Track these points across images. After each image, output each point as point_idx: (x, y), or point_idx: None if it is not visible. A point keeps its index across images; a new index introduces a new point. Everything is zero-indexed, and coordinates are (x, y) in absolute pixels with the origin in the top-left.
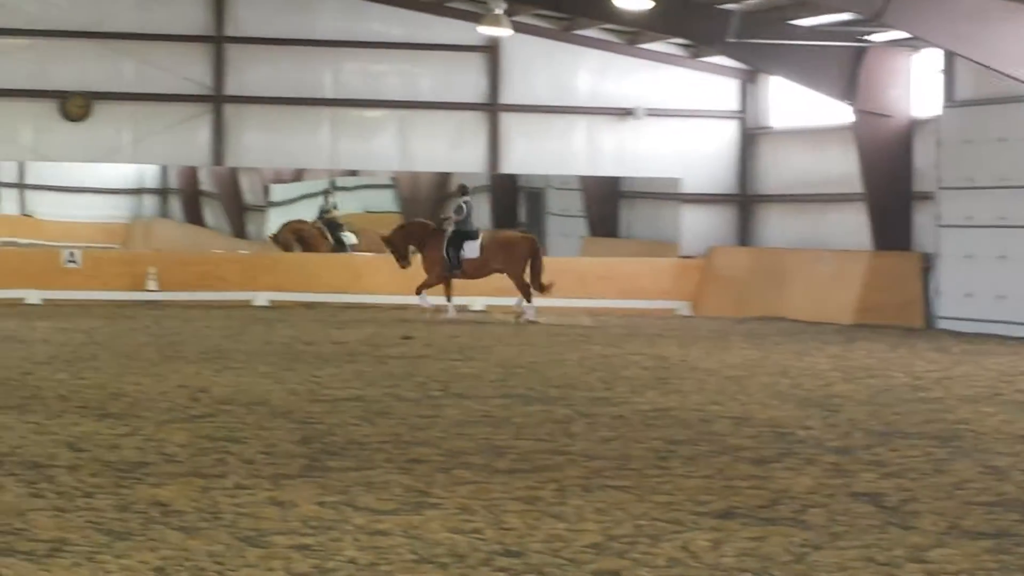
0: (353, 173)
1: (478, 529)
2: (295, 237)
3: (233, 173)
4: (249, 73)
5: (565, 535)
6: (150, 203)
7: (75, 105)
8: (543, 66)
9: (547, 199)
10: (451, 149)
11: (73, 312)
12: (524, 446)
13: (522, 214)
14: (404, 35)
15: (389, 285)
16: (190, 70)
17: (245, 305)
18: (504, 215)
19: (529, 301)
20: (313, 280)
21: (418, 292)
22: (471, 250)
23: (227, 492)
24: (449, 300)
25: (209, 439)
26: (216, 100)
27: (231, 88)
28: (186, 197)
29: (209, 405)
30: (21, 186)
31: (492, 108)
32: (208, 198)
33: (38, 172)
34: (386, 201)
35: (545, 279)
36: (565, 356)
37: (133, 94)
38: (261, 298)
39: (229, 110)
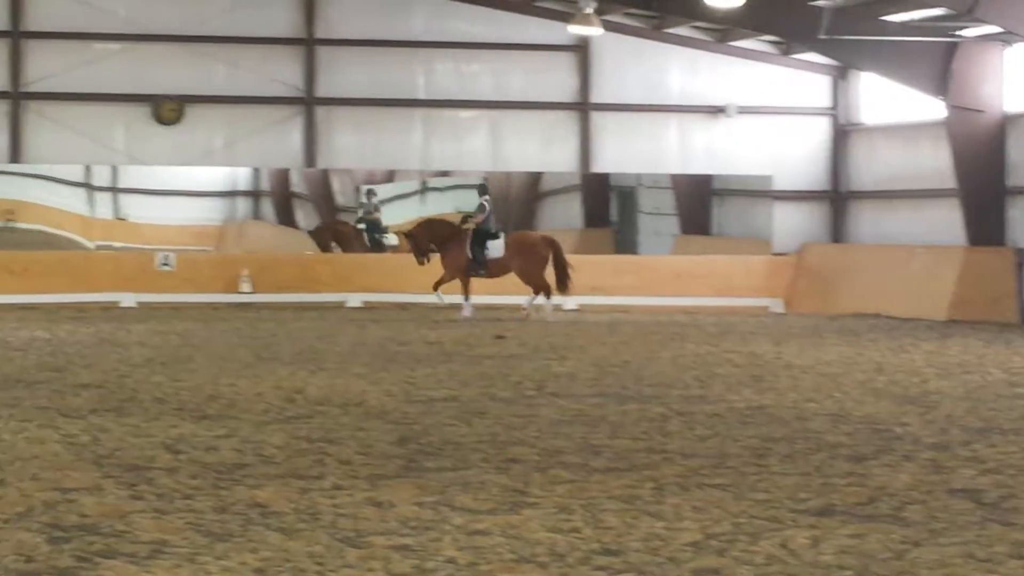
0: (445, 173)
1: (577, 528)
2: (332, 236)
3: (325, 175)
4: (340, 75)
5: (664, 533)
6: (242, 205)
7: (168, 109)
8: (633, 65)
9: (638, 198)
10: (542, 149)
11: (168, 315)
12: (620, 445)
13: (613, 213)
14: (495, 35)
15: (482, 285)
16: (281, 72)
17: (338, 306)
18: (595, 214)
19: (548, 298)
20: (406, 281)
21: (435, 288)
22: (495, 249)
23: (325, 493)
24: (467, 299)
25: (306, 440)
26: (307, 102)
27: (322, 90)
28: (278, 199)
29: (305, 406)
30: (114, 190)
31: (583, 107)
32: (300, 200)
33: (131, 175)
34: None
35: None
36: (659, 354)
37: (225, 97)
38: (354, 299)
39: (320, 112)
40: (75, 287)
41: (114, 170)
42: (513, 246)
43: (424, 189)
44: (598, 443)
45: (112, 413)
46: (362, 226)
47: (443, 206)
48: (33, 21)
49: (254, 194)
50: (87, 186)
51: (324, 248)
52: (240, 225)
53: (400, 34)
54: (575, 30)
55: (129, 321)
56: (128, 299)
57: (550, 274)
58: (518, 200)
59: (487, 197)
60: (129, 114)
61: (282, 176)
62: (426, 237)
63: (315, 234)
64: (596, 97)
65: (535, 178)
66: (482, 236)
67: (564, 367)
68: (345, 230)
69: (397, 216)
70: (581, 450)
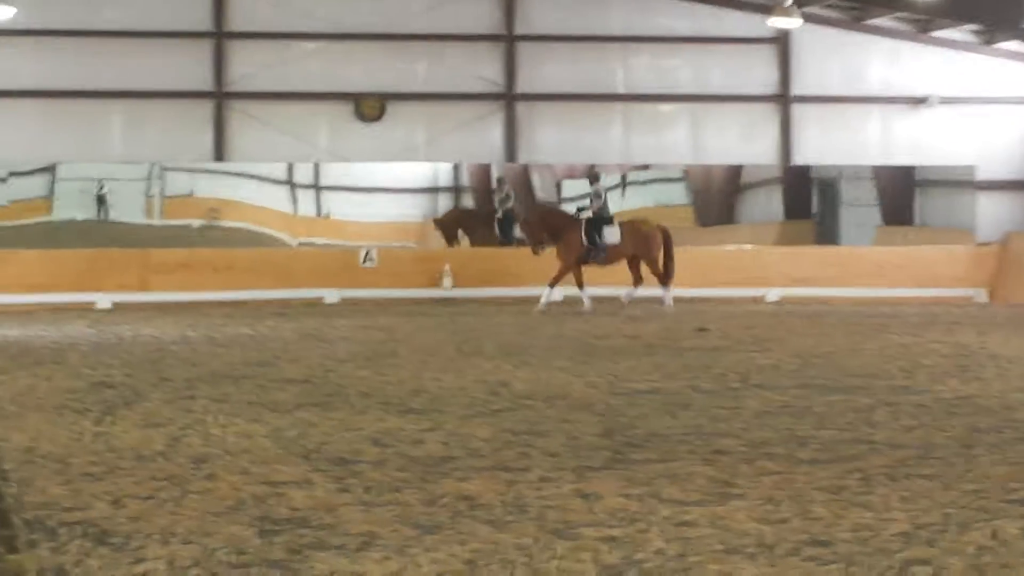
0: (645, 167)
1: (785, 519)
2: (459, 226)
3: (525, 170)
4: (540, 70)
5: (873, 524)
6: (444, 201)
7: (369, 106)
8: (834, 56)
9: (839, 189)
10: (742, 141)
11: (371, 310)
12: (826, 435)
13: (814, 205)
14: (694, 29)
15: (684, 278)
16: (482, 69)
17: (538, 300)
18: (796, 206)
19: (667, 288)
20: (605, 274)
21: (552, 285)
22: (611, 235)
23: (532, 485)
24: (582, 290)
25: (512, 433)
26: (508, 98)
27: (522, 85)
28: (479, 194)
29: (509, 399)
30: (317, 187)
31: (783, 99)
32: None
33: (333, 173)
34: (678, 195)
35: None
36: (863, 345)
37: (426, 94)
38: (556, 293)
39: (521, 107)
40: (279, 284)
41: (316, 168)
42: (629, 233)
43: (624, 183)
44: (804, 434)
45: (318, 407)
46: (498, 215)
47: (644, 200)
48: (235, 22)
49: (455, 190)
50: (290, 184)
51: (450, 238)
52: None
53: (599, 29)
54: (775, 23)
55: (333, 317)
56: (332, 295)
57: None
58: (718, 193)
59: (600, 184)
60: (331, 112)
61: (483, 172)
62: (540, 226)
63: (441, 223)
64: (796, 89)
65: (735, 171)
66: (598, 223)
67: (767, 359)
68: (472, 220)
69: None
70: (787, 441)
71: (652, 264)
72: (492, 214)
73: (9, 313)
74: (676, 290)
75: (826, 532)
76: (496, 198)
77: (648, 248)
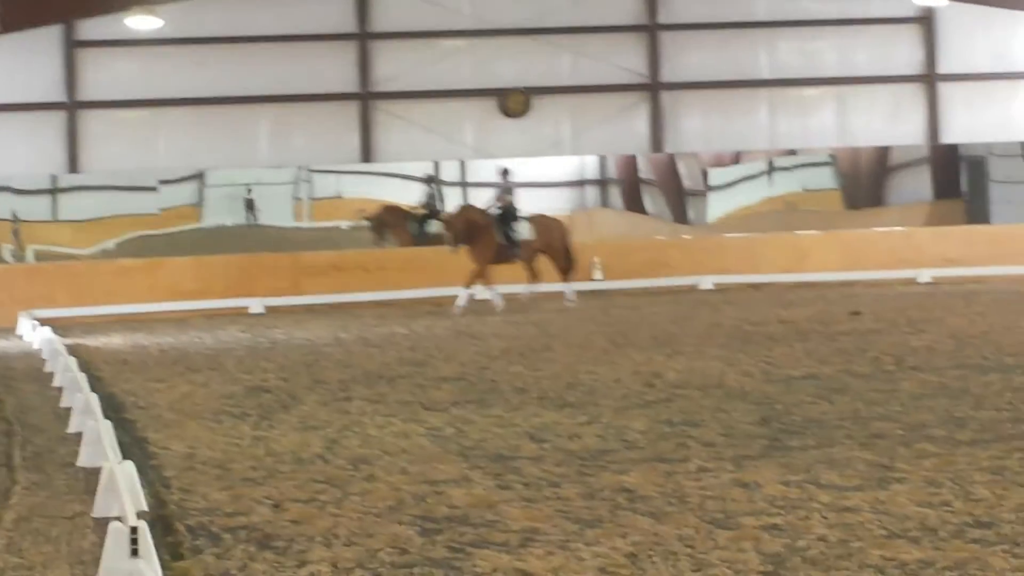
0: (792, 152)
1: (946, 502)
2: (385, 224)
3: (671, 159)
4: (684, 59)
5: None
6: (591, 194)
7: (515, 101)
8: (980, 33)
9: (989, 167)
10: (889, 122)
11: (521, 305)
12: (985, 416)
13: (963, 183)
14: (838, 11)
15: (834, 263)
16: (625, 59)
17: (691, 290)
18: (945, 186)
19: (569, 282)
20: (758, 261)
21: (468, 285)
22: (523, 231)
23: (691, 476)
24: (491, 289)
25: (668, 424)
26: (652, 88)
27: (666, 75)
28: (626, 186)
29: (664, 390)
30: (463, 184)
31: (929, 78)
32: (647, 185)
33: (479, 170)
34: (825, 179)
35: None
36: (1018, 324)
37: (571, 87)
38: (706, 282)
39: (665, 97)
40: (429, 282)
41: (462, 165)
42: (538, 228)
43: (771, 169)
44: (962, 415)
45: (474, 404)
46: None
47: (792, 186)
48: (379, 22)
49: (602, 182)
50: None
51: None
52: (590, 213)
53: (742, 15)
54: (920, 2)
55: (483, 312)
56: (483, 292)
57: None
58: (866, 176)
59: (509, 178)
60: (476, 108)
61: (629, 163)
62: (461, 225)
63: (371, 219)
64: (943, 68)
65: (883, 153)
66: (508, 218)
67: (921, 340)
68: (394, 218)
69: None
70: (945, 423)
71: (559, 258)
72: (415, 213)
73: (164, 320)
74: (821, 274)
75: (989, 513)
76: (425, 196)
77: (555, 241)
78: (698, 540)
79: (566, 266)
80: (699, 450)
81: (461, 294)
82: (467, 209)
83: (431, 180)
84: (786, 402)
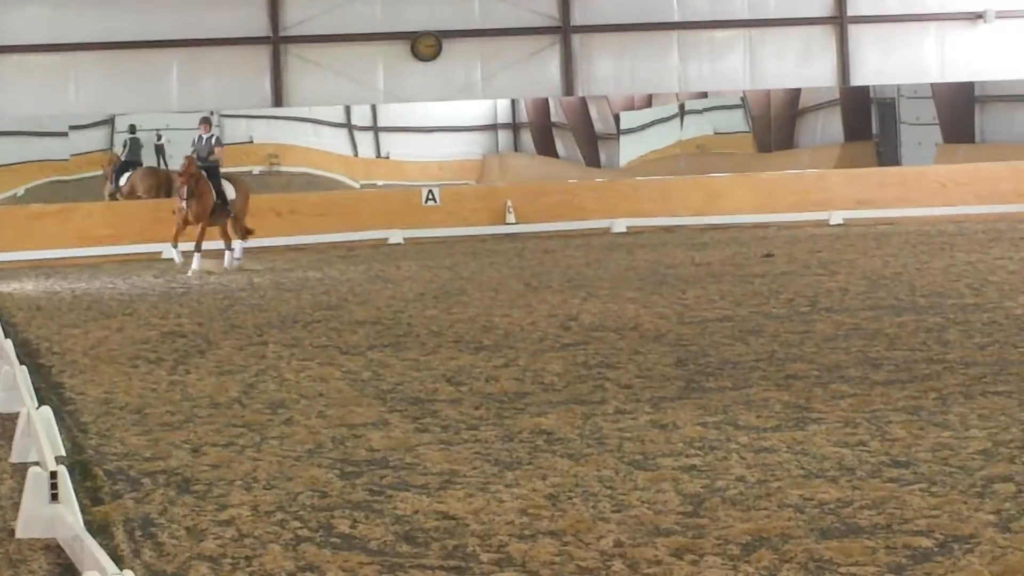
0: (703, 95)
1: (863, 441)
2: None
3: (583, 102)
4: (595, 2)
5: (952, 443)
6: (503, 137)
7: (425, 45)
8: None
9: (899, 109)
10: (799, 65)
11: (435, 249)
12: (899, 356)
13: (874, 126)
14: None
15: (747, 204)
16: (537, 3)
17: (604, 232)
18: (856, 128)
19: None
20: (671, 203)
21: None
22: (229, 190)
23: (609, 418)
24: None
25: (584, 366)
26: (563, 31)
27: (578, 18)
28: (537, 129)
29: (580, 333)
30: (375, 129)
31: (839, 20)
32: (559, 129)
33: (391, 114)
34: (737, 122)
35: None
36: (930, 265)
37: (482, 30)
38: (619, 224)
39: (576, 40)
40: (342, 226)
41: (374, 109)
42: (239, 186)
43: (682, 112)
44: (877, 356)
45: (390, 348)
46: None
47: (703, 128)
48: None
49: (513, 126)
50: (348, 126)
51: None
52: (501, 157)
53: None
54: None
55: (398, 257)
56: (396, 235)
57: None
58: (777, 119)
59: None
60: (387, 52)
61: (541, 106)
62: (191, 177)
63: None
64: (853, 10)
65: (794, 95)
66: (215, 174)
67: (835, 281)
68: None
69: None
70: (860, 363)
71: (242, 217)
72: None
73: (76, 266)
74: (733, 216)
75: (906, 453)
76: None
77: (245, 201)
78: (618, 481)
79: (247, 227)
80: (616, 392)
81: (176, 254)
82: (193, 162)
83: (133, 130)
84: (702, 344)
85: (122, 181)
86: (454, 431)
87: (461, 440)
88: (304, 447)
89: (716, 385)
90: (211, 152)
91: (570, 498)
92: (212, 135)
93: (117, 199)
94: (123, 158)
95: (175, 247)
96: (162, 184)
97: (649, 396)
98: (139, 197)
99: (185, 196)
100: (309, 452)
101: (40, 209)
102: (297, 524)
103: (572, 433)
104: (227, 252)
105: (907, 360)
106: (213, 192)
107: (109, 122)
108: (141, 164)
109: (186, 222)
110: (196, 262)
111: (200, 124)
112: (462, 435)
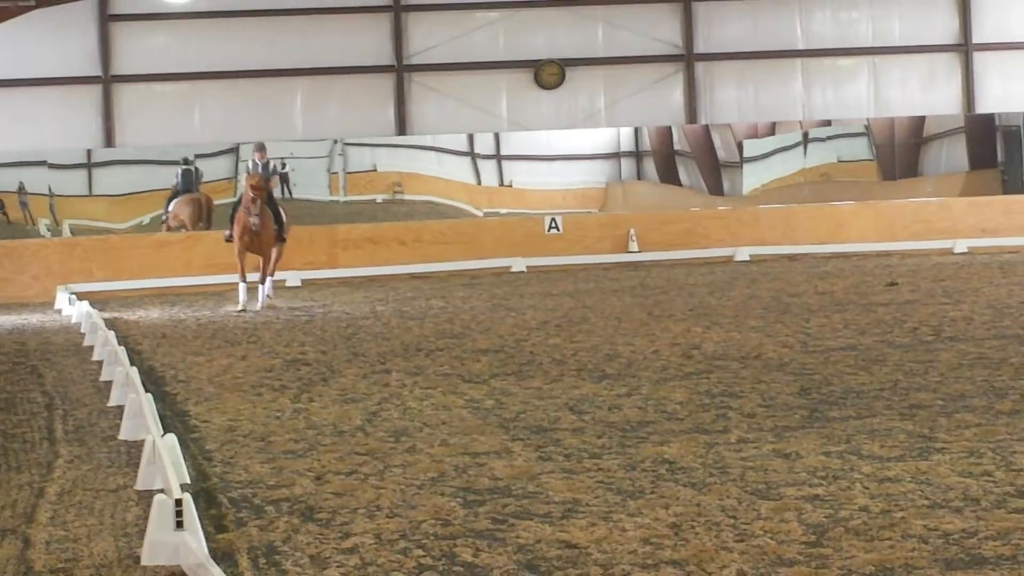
0: (826, 123)
1: (988, 471)
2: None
3: (706, 130)
4: (718, 29)
5: None
6: (626, 166)
7: (549, 73)
8: (1017, 1)
9: None
10: (924, 92)
11: (558, 277)
12: None
13: (999, 153)
14: None
15: (871, 232)
16: (660, 30)
17: (727, 261)
18: (980, 156)
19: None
20: (794, 232)
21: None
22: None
23: (731, 447)
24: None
25: (707, 395)
26: (687, 59)
27: (701, 45)
28: (660, 157)
29: (703, 361)
30: (498, 157)
31: (964, 48)
32: (682, 157)
33: (514, 142)
34: (860, 149)
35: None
36: None
37: (605, 58)
38: (742, 253)
39: (700, 68)
40: (466, 255)
41: (497, 137)
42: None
43: (806, 140)
44: (1002, 385)
45: (513, 376)
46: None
47: (826, 156)
48: None
49: (636, 154)
50: (471, 155)
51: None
52: (624, 185)
53: None
54: None
55: (521, 285)
56: (519, 264)
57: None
58: (901, 146)
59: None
60: (511, 80)
61: (664, 134)
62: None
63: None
64: (978, 37)
65: (918, 123)
66: (271, 200)
67: (959, 310)
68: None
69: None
70: (985, 393)
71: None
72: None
73: (201, 294)
74: (857, 245)
75: None
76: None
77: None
78: (740, 510)
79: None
80: (739, 421)
81: (243, 291)
82: (261, 176)
83: (187, 161)
84: (825, 373)
85: (169, 208)
86: (577, 460)
87: (584, 469)
88: (427, 475)
89: (839, 414)
90: (268, 179)
91: (693, 527)
92: (268, 161)
93: (168, 229)
94: (177, 188)
95: (244, 281)
96: (203, 209)
97: (772, 425)
98: (183, 224)
99: (257, 212)
100: (432, 480)
101: (165, 237)
102: (420, 552)
103: (695, 462)
104: (260, 286)
105: None
106: (272, 217)
107: (234, 150)
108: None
109: (248, 247)
110: (264, 292)
111: (255, 151)
112: (585, 464)
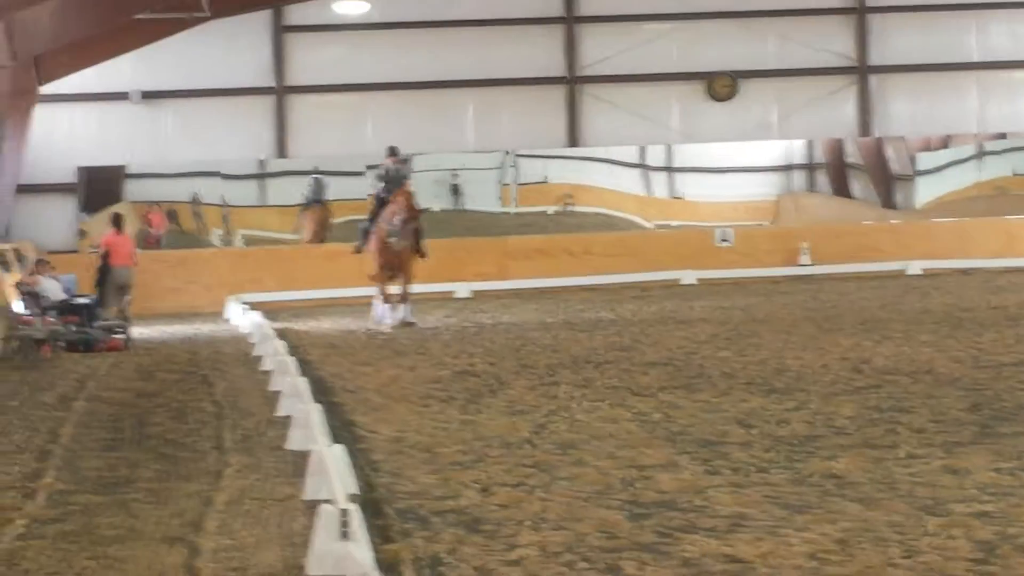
0: (1002, 136)
1: None
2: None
3: (879, 143)
4: (892, 41)
5: None
6: (797, 178)
7: (722, 85)
8: None
9: None
10: None
11: (728, 290)
12: None
13: None
14: None
15: None
16: (833, 43)
17: (899, 275)
18: None
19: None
20: (967, 245)
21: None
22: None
23: (900, 462)
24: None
25: (876, 410)
26: (860, 71)
27: (874, 58)
28: (832, 170)
29: (872, 376)
30: (669, 169)
31: None
32: (855, 169)
33: (684, 154)
34: None
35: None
36: None
37: (777, 70)
38: (915, 266)
39: (873, 80)
40: (636, 266)
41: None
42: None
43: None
44: None
45: (682, 390)
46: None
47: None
48: (586, 6)
49: (808, 166)
50: (642, 166)
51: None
52: (796, 198)
53: None
54: None
55: (691, 298)
56: (689, 276)
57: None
58: None
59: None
60: (683, 92)
61: (836, 146)
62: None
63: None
64: None
65: None
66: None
67: None
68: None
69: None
70: None
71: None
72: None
73: (371, 304)
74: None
75: None
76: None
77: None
78: (908, 526)
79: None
80: (908, 436)
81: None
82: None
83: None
84: (997, 388)
85: (299, 220)
86: (744, 474)
87: (751, 483)
88: (593, 488)
89: (1011, 430)
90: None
91: (859, 543)
92: (402, 167)
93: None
94: (307, 199)
95: (388, 303)
96: (325, 219)
97: (942, 441)
98: (313, 234)
99: (402, 235)
100: (598, 493)
101: (335, 248)
102: (585, 565)
103: (863, 477)
104: (402, 305)
105: None
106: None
107: (405, 161)
108: (321, 203)
109: (393, 265)
110: (405, 313)
111: (388, 156)
112: (752, 478)
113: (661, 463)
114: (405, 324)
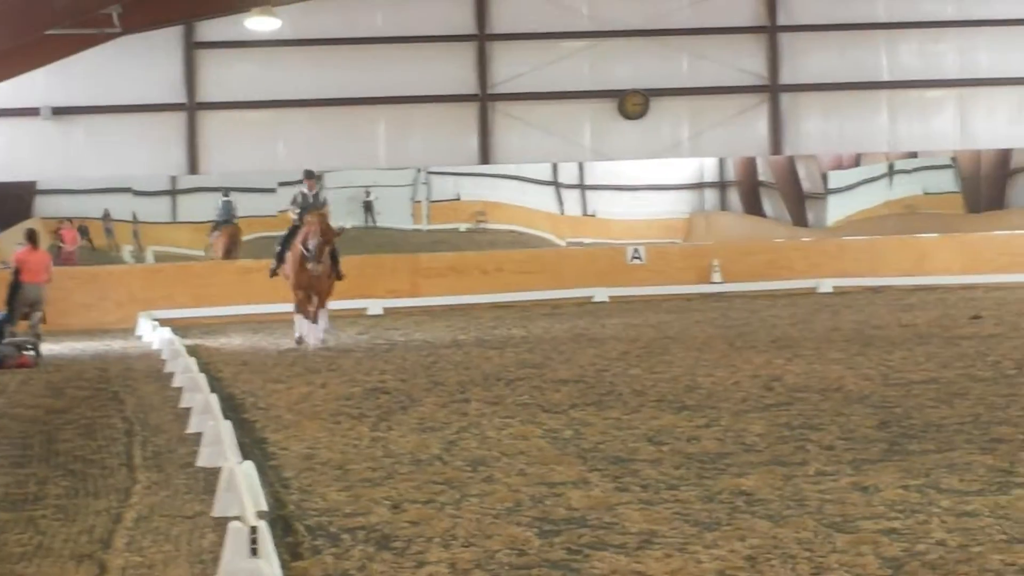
0: (912, 155)
1: None
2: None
3: (791, 161)
4: (803, 60)
5: None
6: (709, 196)
7: (633, 103)
8: None
9: None
10: (1011, 124)
11: (640, 307)
12: None
13: None
14: (959, 12)
15: (955, 265)
16: (744, 61)
17: (810, 292)
18: None
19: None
20: (878, 264)
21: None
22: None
23: (809, 479)
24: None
25: (787, 427)
26: (772, 89)
27: (786, 76)
28: (744, 188)
29: (783, 393)
30: (582, 186)
31: None
32: (766, 188)
33: (597, 172)
34: (946, 182)
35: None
36: None
37: (689, 88)
38: (826, 284)
39: (785, 99)
40: (548, 284)
41: (581, 167)
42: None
43: (891, 172)
44: None
45: (592, 407)
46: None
47: (910, 188)
48: (497, 23)
49: (720, 184)
50: (555, 184)
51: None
52: (707, 216)
53: (862, 17)
54: None
55: (603, 315)
56: (601, 294)
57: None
58: (988, 179)
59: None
60: (595, 110)
61: (748, 165)
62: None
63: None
64: None
65: (1005, 155)
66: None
67: None
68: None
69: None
70: None
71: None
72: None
73: (284, 321)
74: (941, 277)
75: None
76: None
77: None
78: (817, 544)
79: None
80: (818, 453)
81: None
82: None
83: (226, 193)
84: (906, 406)
85: (210, 239)
86: (654, 491)
87: (661, 500)
88: (504, 505)
89: (919, 448)
90: (323, 213)
91: (768, 560)
92: (319, 192)
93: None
94: (217, 220)
95: (302, 314)
96: (236, 238)
97: (851, 458)
98: (225, 252)
99: (318, 259)
100: (508, 510)
101: (247, 264)
102: None
103: (772, 494)
104: (313, 325)
105: None
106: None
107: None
108: (231, 223)
109: (311, 287)
110: (317, 332)
111: (305, 179)
112: (662, 495)
113: (571, 480)
114: (319, 341)
